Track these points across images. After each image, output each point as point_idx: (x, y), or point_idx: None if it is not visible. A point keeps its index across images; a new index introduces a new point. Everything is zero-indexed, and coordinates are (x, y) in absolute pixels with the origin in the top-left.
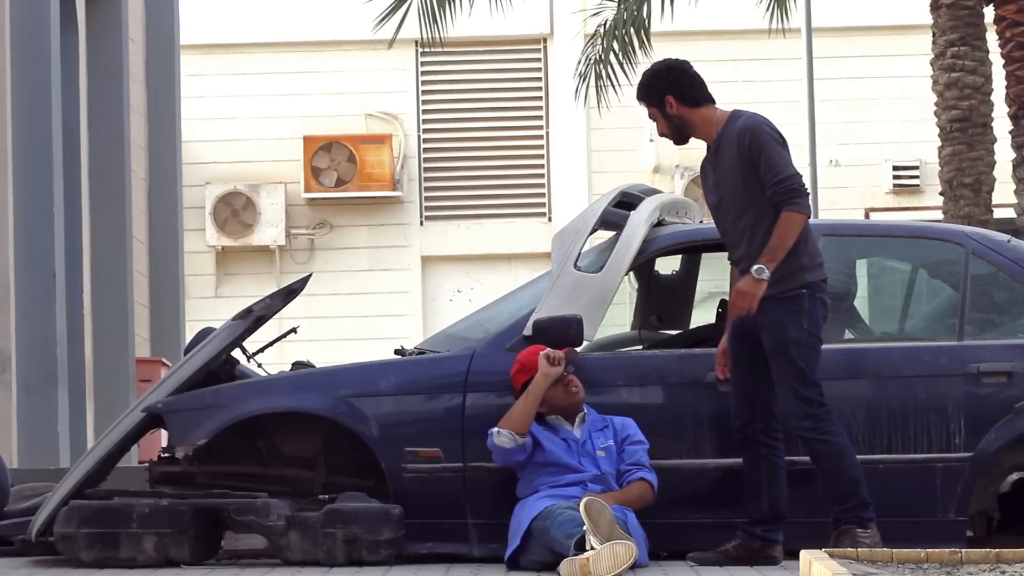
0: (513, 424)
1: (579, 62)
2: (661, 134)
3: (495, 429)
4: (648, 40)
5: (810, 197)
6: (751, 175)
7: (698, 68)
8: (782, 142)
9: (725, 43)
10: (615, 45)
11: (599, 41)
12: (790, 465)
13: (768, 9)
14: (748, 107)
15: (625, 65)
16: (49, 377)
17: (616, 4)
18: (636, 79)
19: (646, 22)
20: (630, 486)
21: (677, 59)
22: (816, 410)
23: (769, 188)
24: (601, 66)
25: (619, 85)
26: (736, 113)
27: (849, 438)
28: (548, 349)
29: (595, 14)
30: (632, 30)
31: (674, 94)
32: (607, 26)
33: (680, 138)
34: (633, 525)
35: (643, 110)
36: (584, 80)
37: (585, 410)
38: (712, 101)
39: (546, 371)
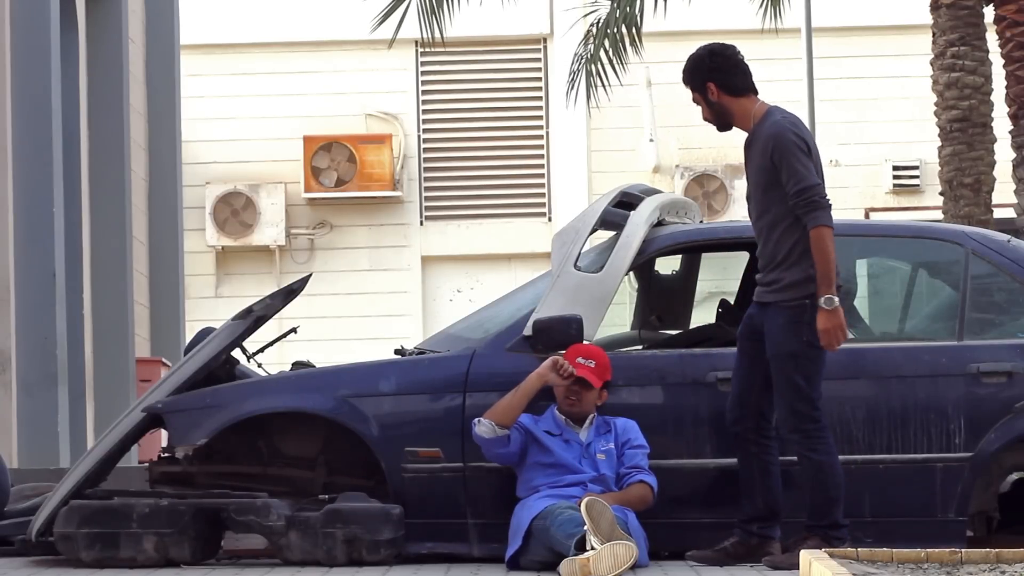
0: (496, 415)
1: (572, 61)
2: (705, 119)
3: (477, 419)
4: (639, 38)
5: None
6: (774, 179)
7: None
8: (806, 149)
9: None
10: (606, 43)
11: (591, 40)
12: (789, 466)
13: (762, 6)
14: None
15: (616, 64)
16: (49, 377)
17: (610, 2)
18: (627, 78)
19: (638, 20)
20: (630, 488)
21: (723, 44)
22: (806, 425)
23: (791, 199)
24: (592, 65)
25: (609, 85)
26: (771, 111)
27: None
28: (560, 359)
29: (590, 12)
30: (623, 28)
31: (715, 82)
32: (599, 24)
33: (723, 125)
34: (633, 525)
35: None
36: (576, 78)
37: (594, 413)
38: (755, 91)
39: (541, 372)
